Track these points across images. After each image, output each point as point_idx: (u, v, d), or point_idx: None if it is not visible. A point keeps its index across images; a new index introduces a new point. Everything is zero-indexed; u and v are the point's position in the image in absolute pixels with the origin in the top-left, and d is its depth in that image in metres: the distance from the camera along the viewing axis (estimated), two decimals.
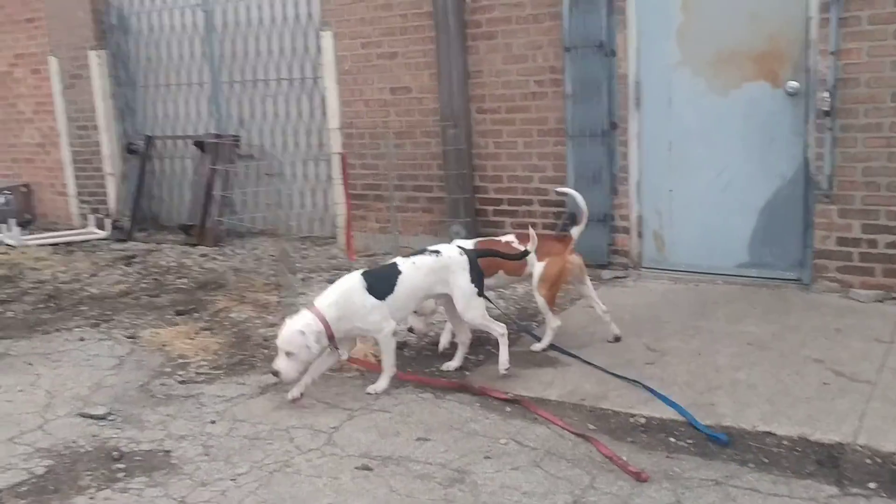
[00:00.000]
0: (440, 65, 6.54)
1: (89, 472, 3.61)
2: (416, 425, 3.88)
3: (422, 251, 4.40)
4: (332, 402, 4.21)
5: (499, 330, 4.36)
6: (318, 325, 4.02)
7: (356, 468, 3.49)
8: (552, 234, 5.27)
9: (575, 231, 4.82)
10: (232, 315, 5.73)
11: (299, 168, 7.97)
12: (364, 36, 7.01)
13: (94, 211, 9.22)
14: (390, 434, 3.79)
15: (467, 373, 4.51)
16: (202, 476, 3.52)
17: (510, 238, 4.89)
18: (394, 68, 6.90)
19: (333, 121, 7.25)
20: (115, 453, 3.77)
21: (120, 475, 3.58)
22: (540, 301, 4.71)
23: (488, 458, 3.52)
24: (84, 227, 9.16)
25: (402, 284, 4.25)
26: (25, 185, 9.80)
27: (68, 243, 8.50)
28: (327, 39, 7.23)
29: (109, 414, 4.21)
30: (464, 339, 4.60)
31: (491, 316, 4.44)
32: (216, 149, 7.96)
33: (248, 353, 4.97)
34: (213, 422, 4.07)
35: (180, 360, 4.97)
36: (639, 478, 3.25)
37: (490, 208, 6.66)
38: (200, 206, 8.13)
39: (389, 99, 6.95)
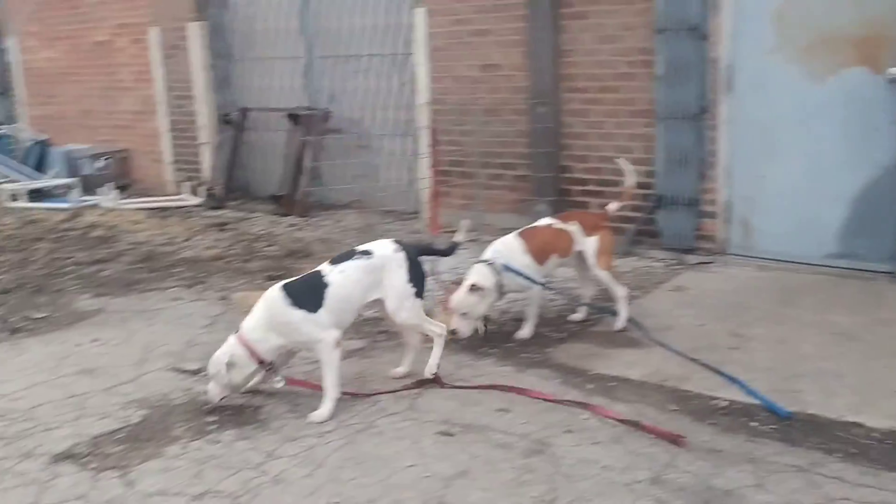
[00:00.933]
0: (531, 43, 6.53)
1: (181, 424, 3.78)
2: (497, 396, 3.93)
3: (349, 254, 4.04)
4: (413, 370, 4.30)
5: (436, 330, 4.09)
6: (238, 350, 3.81)
7: (437, 434, 3.57)
8: (586, 211, 5.28)
9: (613, 206, 4.86)
10: None
11: (387, 143, 8.08)
12: (456, 13, 7.04)
13: (189, 179, 9.53)
14: (471, 403, 3.86)
15: (548, 350, 4.54)
16: (290, 432, 3.65)
17: (551, 221, 4.82)
18: (484, 46, 6.92)
19: (423, 96, 7.33)
20: (206, 407, 3.93)
21: (211, 428, 3.73)
22: (604, 275, 4.70)
23: (569, 432, 3.55)
24: (178, 193, 9.49)
25: (332, 297, 3.88)
26: (124, 151, 10.20)
27: (163, 208, 8.82)
28: (420, 16, 7.29)
29: (201, 370, 4.36)
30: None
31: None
32: (308, 122, 8.14)
33: None
34: (306, 380, 4.19)
35: None
36: (676, 442, 3.32)
37: (576, 188, 6.64)
38: (290, 177, 8.34)
39: (479, 76, 6.98)
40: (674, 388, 3.93)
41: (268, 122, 9.08)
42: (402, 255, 4.00)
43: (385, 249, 4.02)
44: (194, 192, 9.22)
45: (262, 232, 7.65)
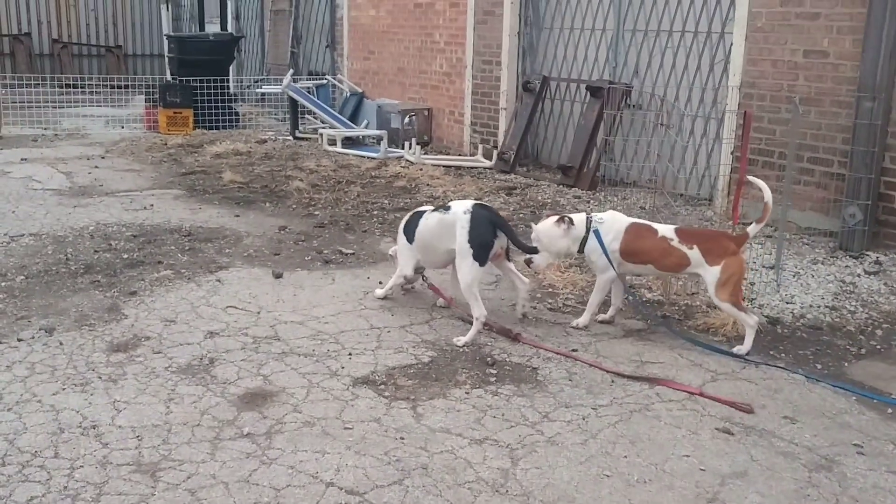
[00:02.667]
0: (869, 31, 5.96)
1: (465, 371, 4.00)
2: (783, 403, 3.74)
3: (443, 207, 4.57)
4: (696, 360, 4.20)
5: (475, 313, 4.30)
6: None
7: (717, 429, 3.47)
8: (725, 233, 4.68)
9: (753, 229, 4.33)
10: None
11: (686, 124, 7.84)
12: None
13: (483, 141, 9.90)
14: (755, 406, 3.70)
15: (845, 363, 4.23)
16: (565, 398, 3.73)
17: (667, 232, 4.42)
18: (812, 30, 6.43)
19: (734, 78, 6.98)
20: (488, 359, 4.12)
21: (491, 379, 3.92)
22: (726, 307, 4.30)
23: (862, 454, 3.30)
24: (473, 154, 9.90)
25: (419, 235, 4.62)
26: (428, 110, 10.81)
27: (458, 167, 9.26)
28: None
29: (485, 325, 4.58)
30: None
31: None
32: (607, 95, 8.10)
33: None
34: (575, 350, 4.27)
35: (550, 290, 5.26)
36: (742, 409, 3.58)
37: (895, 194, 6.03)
38: (582, 149, 8.37)
39: (801, 62, 6.51)
40: None
41: (566, 93, 9.17)
42: (467, 218, 4.34)
43: (458, 208, 4.42)
44: (487, 155, 9.56)
45: (548, 200, 7.78)
